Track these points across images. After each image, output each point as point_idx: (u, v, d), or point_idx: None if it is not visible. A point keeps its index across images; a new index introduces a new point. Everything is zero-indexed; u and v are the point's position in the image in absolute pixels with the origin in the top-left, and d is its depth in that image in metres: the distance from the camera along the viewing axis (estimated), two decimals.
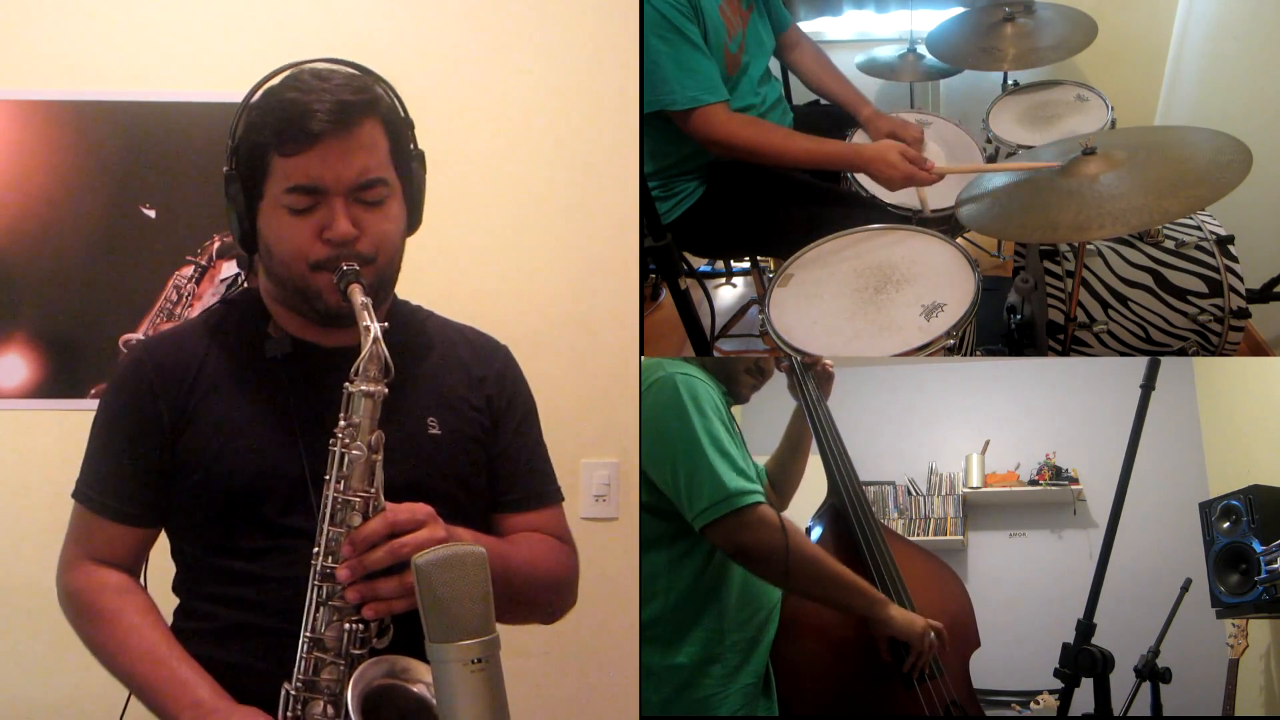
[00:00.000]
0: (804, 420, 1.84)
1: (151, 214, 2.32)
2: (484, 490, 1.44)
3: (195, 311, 2.32)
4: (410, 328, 1.44)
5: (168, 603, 1.40)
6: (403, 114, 1.37)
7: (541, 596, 1.45)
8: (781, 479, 1.89)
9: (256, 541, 1.30)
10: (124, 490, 1.36)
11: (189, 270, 2.32)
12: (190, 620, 1.36)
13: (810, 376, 1.82)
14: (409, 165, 1.36)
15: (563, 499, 1.52)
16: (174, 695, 1.26)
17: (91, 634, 1.35)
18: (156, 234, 2.32)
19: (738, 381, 1.71)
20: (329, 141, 1.26)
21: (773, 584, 1.57)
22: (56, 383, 2.31)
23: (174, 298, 2.33)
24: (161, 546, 1.42)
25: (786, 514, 1.83)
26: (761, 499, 1.50)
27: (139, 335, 2.32)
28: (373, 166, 1.29)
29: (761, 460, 1.86)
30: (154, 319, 2.32)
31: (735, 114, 2.15)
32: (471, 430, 1.42)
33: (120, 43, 2.32)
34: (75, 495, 1.39)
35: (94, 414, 1.40)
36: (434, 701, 1.17)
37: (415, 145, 1.38)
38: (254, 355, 1.36)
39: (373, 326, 1.22)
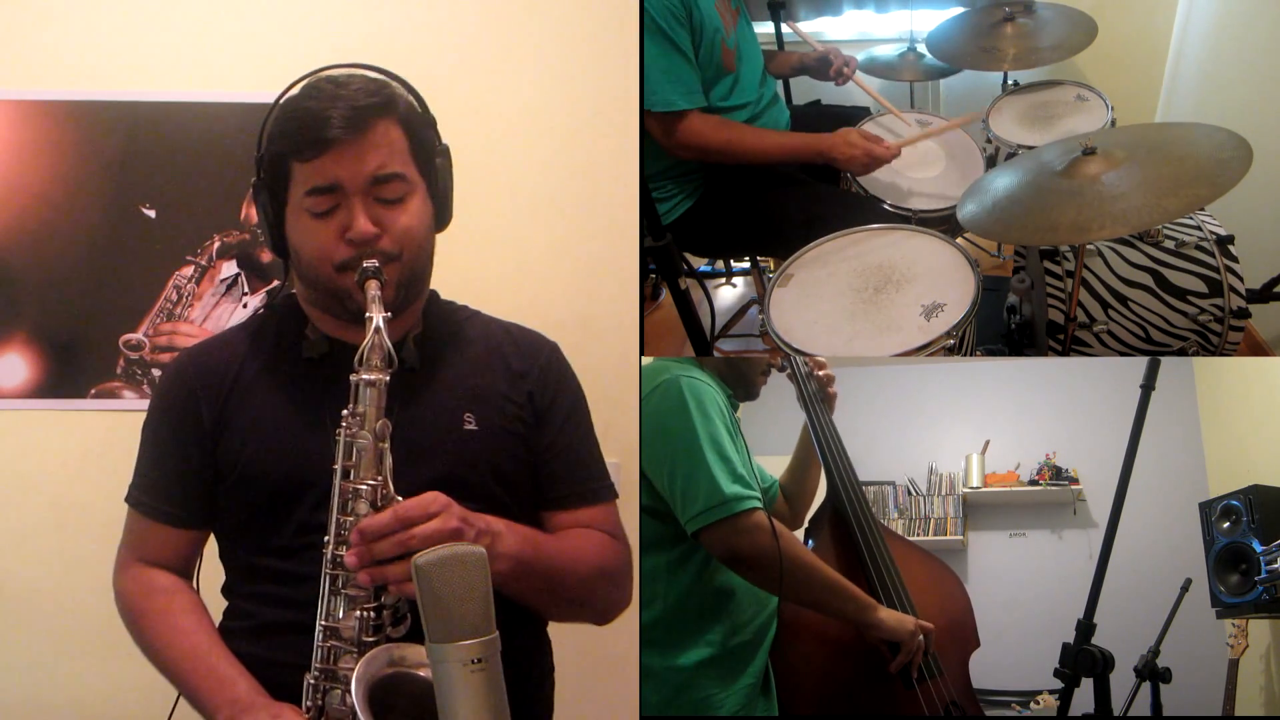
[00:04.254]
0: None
1: (151, 214, 2.32)
2: (528, 486, 1.44)
3: (195, 311, 2.32)
4: (448, 325, 1.47)
5: (220, 606, 1.44)
6: (422, 111, 1.39)
7: (588, 592, 1.44)
8: (795, 491, 1.88)
9: (291, 540, 1.34)
10: (171, 494, 1.41)
11: (189, 270, 2.32)
12: (234, 619, 1.40)
13: (811, 380, 1.81)
14: (432, 161, 1.39)
15: (616, 495, 1.52)
16: (213, 692, 1.29)
17: (139, 634, 1.39)
18: (156, 234, 2.32)
19: (751, 381, 1.71)
20: (344, 144, 1.29)
21: (765, 590, 1.56)
22: (56, 383, 2.31)
23: (174, 298, 2.33)
24: (212, 550, 1.46)
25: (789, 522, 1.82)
26: (758, 504, 1.49)
27: (139, 335, 2.32)
28: (389, 162, 1.32)
29: (763, 462, 1.86)
30: (154, 319, 2.32)
31: (708, 116, 2.20)
32: (511, 426, 1.43)
33: (120, 43, 2.32)
34: (128, 500, 1.44)
35: (143, 419, 1.44)
36: None
37: (440, 141, 1.41)
38: (292, 357, 1.40)
39: (376, 317, 1.25)
